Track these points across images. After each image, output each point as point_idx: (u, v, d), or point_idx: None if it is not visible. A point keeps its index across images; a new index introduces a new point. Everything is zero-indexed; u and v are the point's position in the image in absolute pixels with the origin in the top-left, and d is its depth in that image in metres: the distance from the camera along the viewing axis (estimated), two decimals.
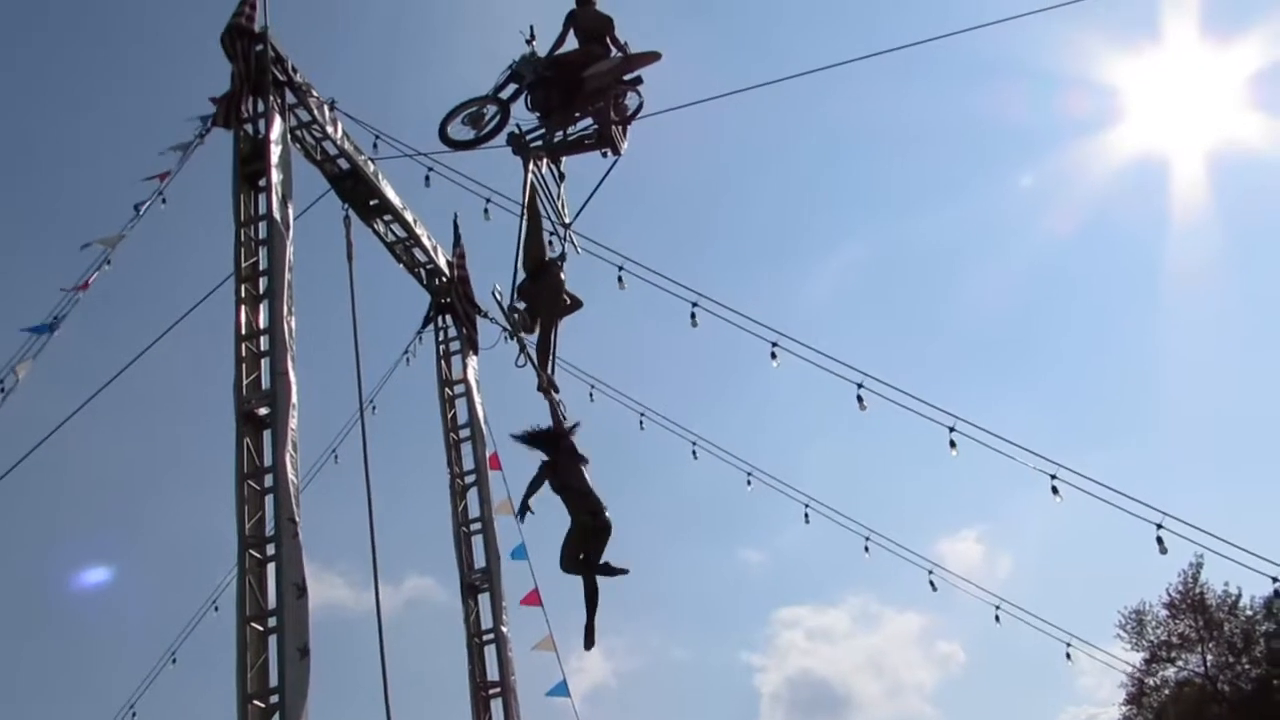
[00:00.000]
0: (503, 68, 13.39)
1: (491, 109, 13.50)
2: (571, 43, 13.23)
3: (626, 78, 13.18)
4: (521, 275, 13.23)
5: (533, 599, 16.20)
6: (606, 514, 12.12)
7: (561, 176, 14.07)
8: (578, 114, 13.33)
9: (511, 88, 13.41)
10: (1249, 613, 46.39)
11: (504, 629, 16.01)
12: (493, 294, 13.73)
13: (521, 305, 13.17)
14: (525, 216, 13.23)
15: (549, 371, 13.26)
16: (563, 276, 13.49)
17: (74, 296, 12.83)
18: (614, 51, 13.10)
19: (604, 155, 13.53)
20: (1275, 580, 12.30)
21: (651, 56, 13.11)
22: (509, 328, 13.53)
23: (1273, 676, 45.68)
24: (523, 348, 13.31)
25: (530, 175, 13.32)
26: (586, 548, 12.11)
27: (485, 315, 17.11)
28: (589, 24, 13.18)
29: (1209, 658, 46.99)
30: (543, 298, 13.36)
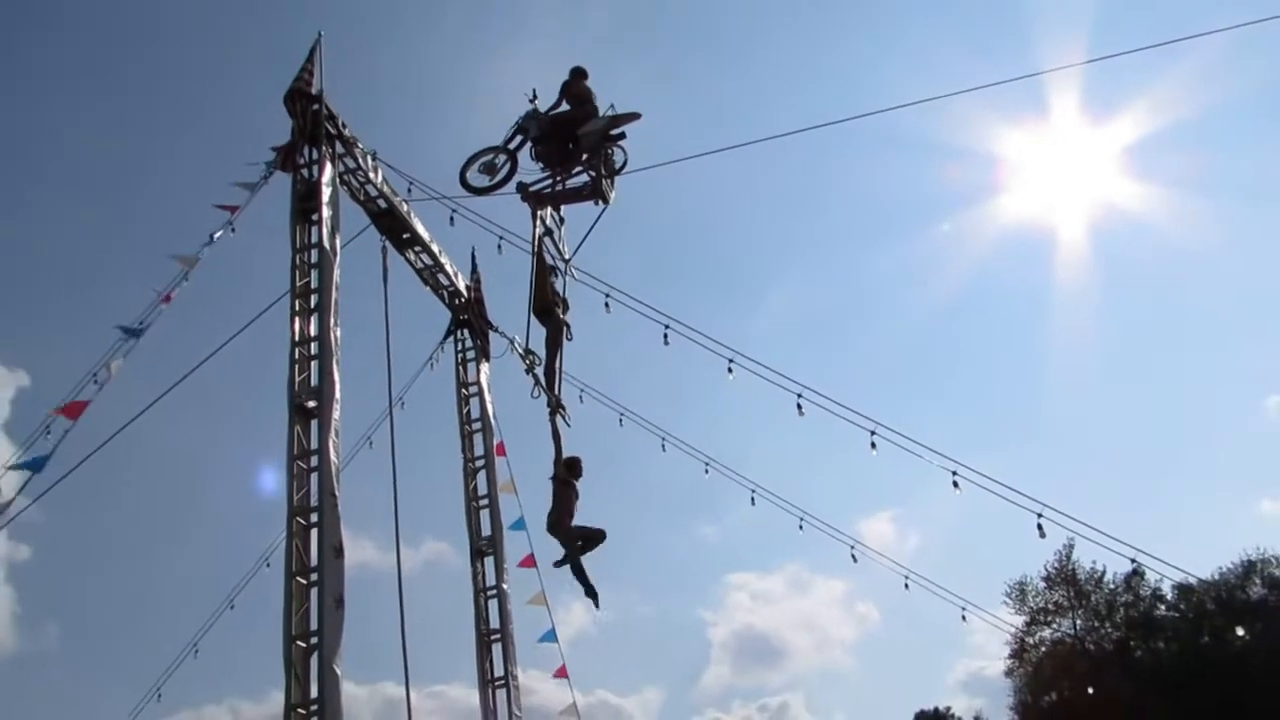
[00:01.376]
0: (510, 123, 13.44)
1: (502, 158, 13.52)
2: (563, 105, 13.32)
3: (614, 133, 13.19)
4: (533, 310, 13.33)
5: (529, 562, 16.20)
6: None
7: (561, 220, 14.02)
8: (575, 167, 13.35)
9: (518, 139, 13.45)
10: (1111, 586, 46.75)
11: (505, 586, 16.06)
12: (512, 344, 13.70)
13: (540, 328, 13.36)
14: (534, 265, 13.28)
15: (556, 394, 13.27)
16: (565, 318, 13.55)
17: (159, 307, 12.78)
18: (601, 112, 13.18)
19: (596, 204, 13.51)
20: (1133, 560, 12.34)
21: (633, 116, 13.15)
22: (525, 366, 13.60)
23: (1130, 639, 45.88)
24: (537, 381, 13.35)
25: (538, 227, 13.34)
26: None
27: (496, 330, 17.20)
28: (579, 92, 13.26)
29: (1078, 622, 47.25)
30: (548, 335, 13.45)
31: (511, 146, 13.55)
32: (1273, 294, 73.94)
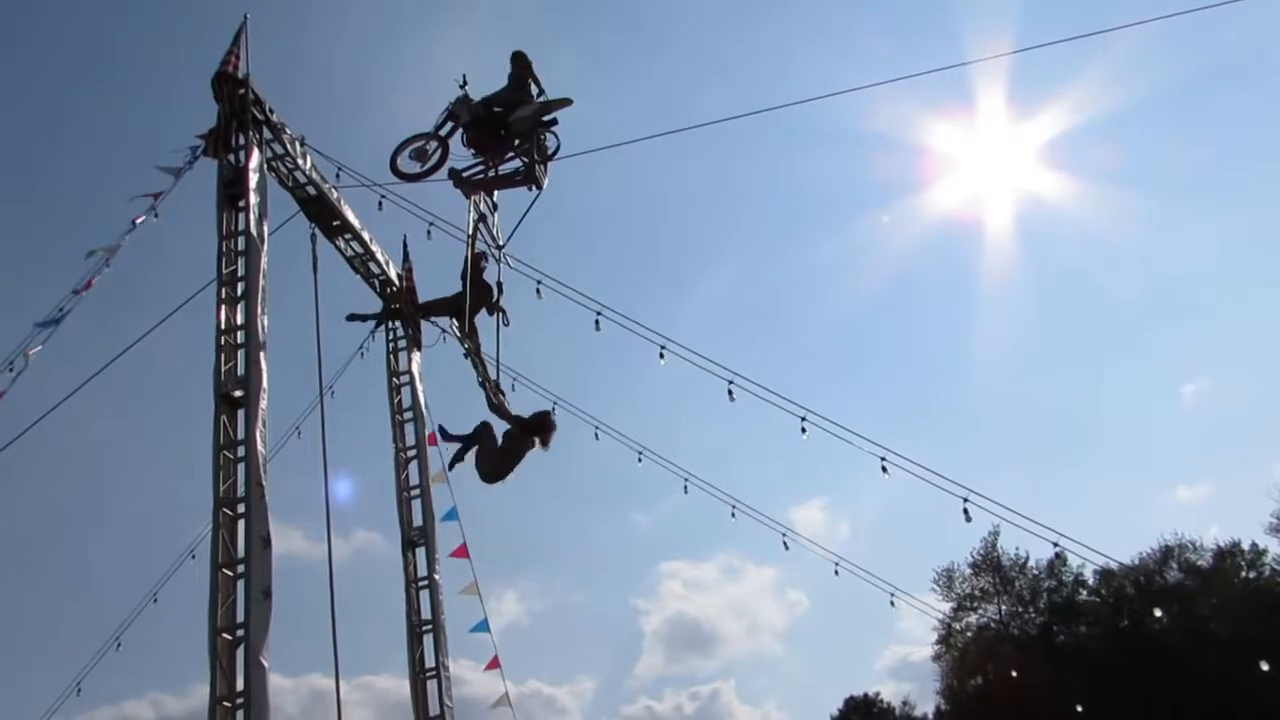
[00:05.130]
0: (440, 109, 13.32)
1: (433, 145, 13.36)
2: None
3: (545, 118, 13.11)
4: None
5: (461, 552, 16.13)
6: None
7: (495, 207, 13.93)
8: (508, 153, 13.26)
9: (449, 125, 13.32)
10: (1035, 572, 47.94)
11: (436, 577, 15.87)
12: (453, 329, 13.74)
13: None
14: (468, 254, 13.23)
15: (494, 377, 13.23)
16: (501, 304, 13.51)
17: (79, 295, 12.48)
18: (536, 90, 13.08)
19: (529, 190, 13.43)
20: (1055, 545, 12.60)
21: (565, 102, 13.09)
22: (465, 351, 13.52)
23: (1052, 623, 46.97)
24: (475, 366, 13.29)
25: (472, 213, 13.25)
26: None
27: (428, 319, 17.02)
28: (521, 75, 13.17)
29: (1003, 608, 48.31)
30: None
31: (442, 133, 13.43)
32: (1189, 284, 76.39)
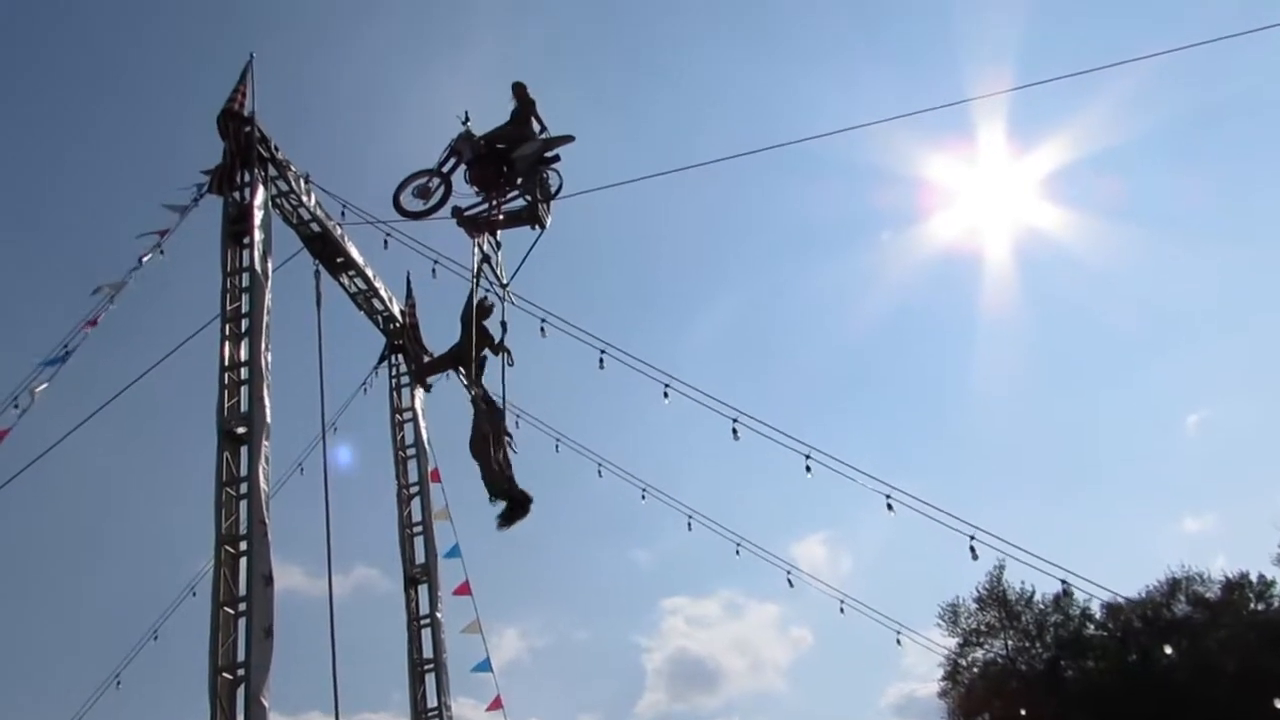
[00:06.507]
0: (443, 145, 13.37)
1: (436, 181, 13.42)
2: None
3: (548, 155, 13.17)
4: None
5: (463, 590, 16.08)
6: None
7: (498, 245, 13.95)
8: (510, 190, 13.30)
9: (451, 161, 13.38)
10: (1041, 607, 47.40)
11: (439, 615, 15.86)
12: (460, 379, 13.87)
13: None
14: (469, 300, 13.30)
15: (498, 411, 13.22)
16: (506, 345, 13.47)
17: (84, 331, 12.51)
18: (538, 126, 13.13)
19: (532, 228, 13.46)
20: (1063, 581, 12.51)
21: (567, 139, 13.15)
22: (467, 389, 13.51)
23: (1060, 658, 46.53)
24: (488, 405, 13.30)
25: (476, 255, 13.29)
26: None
27: (431, 356, 16.98)
28: (524, 109, 13.23)
29: (1009, 643, 47.84)
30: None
31: (445, 169, 13.48)
32: (1189, 315, 76.05)
